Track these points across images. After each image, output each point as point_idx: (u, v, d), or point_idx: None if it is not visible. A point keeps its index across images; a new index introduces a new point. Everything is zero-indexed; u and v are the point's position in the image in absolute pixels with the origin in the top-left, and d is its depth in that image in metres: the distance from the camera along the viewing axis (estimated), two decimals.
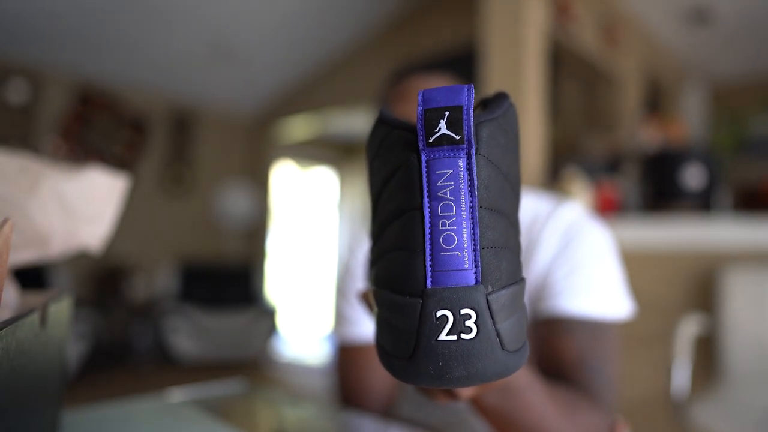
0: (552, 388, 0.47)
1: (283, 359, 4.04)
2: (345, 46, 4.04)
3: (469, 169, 0.23)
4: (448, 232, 0.24)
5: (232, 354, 3.68)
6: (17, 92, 3.42)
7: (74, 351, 3.07)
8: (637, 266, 1.71)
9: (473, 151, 0.23)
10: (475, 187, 0.23)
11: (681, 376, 1.47)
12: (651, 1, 3.01)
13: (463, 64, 2.89)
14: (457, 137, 0.23)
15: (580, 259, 0.61)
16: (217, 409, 0.56)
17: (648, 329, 1.79)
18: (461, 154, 0.23)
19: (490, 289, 0.23)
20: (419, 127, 0.24)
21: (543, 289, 0.61)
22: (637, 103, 3.13)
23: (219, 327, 3.69)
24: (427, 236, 0.24)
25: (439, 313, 0.23)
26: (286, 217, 5.57)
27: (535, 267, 0.62)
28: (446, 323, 0.23)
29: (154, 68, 3.85)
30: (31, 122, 3.48)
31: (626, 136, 2.70)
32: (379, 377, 0.68)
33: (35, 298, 0.40)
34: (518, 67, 1.94)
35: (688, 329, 1.55)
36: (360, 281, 0.73)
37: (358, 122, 4.52)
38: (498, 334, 0.24)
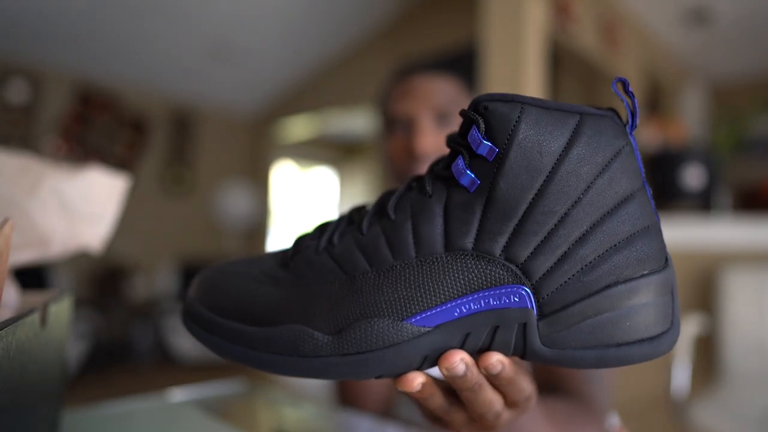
0: (548, 403, 0.46)
1: None
2: (345, 46, 4.05)
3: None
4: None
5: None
6: (17, 92, 3.42)
7: (74, 351, 3.07)
8: None
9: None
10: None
11: (681, 375, 1.47)
12: (651, 1, 3.01)
13: (464, 64, 2.89)
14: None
15: None
16: (217, 409, 0.56)
17: None
18: (632, 135, 0.26)
19: None
20: (629, 108, 0.26)
21: None
22: (637, 103, 3.13)
23: None
24: (655, 212, 0.26)
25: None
26: (286, 217, 5.57)
27: None
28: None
29: (154, 68, 3.85)
30: (32, 122, 3.48)
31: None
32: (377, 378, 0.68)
33: (35, 297, 0.41)
34: (518, 66, 1.94)
35: (688, 329, 1.55)
36: None
37: (358, 122, 4.52)
38: None
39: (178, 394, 0.60)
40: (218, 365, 3.62)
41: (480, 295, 0.25)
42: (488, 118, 0.25)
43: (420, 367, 0.26)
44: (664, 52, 3.68)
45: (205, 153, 4.51)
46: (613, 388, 0.58)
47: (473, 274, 0.25)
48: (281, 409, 0.59)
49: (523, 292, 0.25)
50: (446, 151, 0.68)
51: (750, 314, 1.62)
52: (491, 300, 0.25)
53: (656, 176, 2.06)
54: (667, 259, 0.26)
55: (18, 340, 0.28)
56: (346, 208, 5.95)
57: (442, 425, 0.33)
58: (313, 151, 5.74)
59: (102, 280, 3.75)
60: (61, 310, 0.40)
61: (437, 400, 0.28)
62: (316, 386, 3.22)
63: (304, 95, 4.39)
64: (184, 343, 3.57)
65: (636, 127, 0.26)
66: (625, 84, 0.25)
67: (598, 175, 0.25)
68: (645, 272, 0.25)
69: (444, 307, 0.25)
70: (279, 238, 5.25)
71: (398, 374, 0.26)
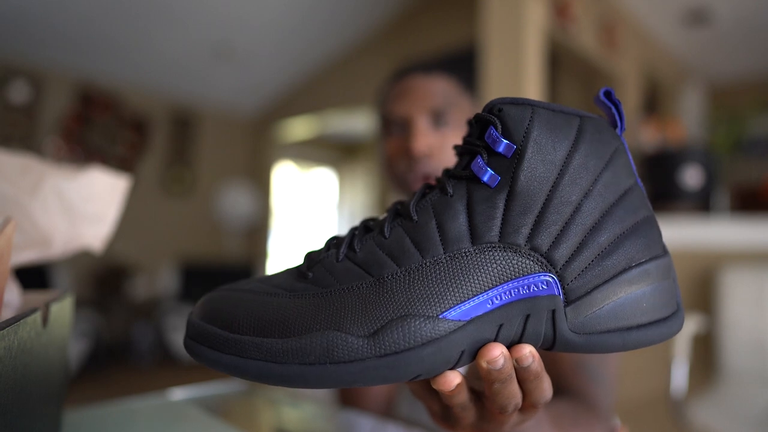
0: (551, 405, 0.46)
1: None
2: (345, 46, 4.05)
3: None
4: None
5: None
6: (19, 92, 3.42)
7: (75, 350, 3.07)
8: None
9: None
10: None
11: (679, 375, 1.47)
12: (650, 1, 3.01)
13: (463, 64, 2.90)
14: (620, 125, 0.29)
15: None
16: (217, 408, 0.56)
17: None
18: (623, 137, 0.29)
19: None
20: (617, 114, 0.29)
21: None
22: (636, 103, 3.13)
23: None
24: (648, 204, 0.29)
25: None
26: (286, 218, 5.58)
27: None
28: None
29: (155, 69, 3.85)
30: (33, 123, 3.49)
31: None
32: None
33: (37, 297, 0.41)
34: (517, 67, 1.95)
35: (687, 329, 1.55)
36: None
37: (358, 123, 4.52)
38: None
39: (179, 394, 0.60)
40: None
41: (510, 285, 0.26)
42: (503, 119, 0.27)
43: (457, 363, 0.26)
44: (663, 52, 3.68)
45: (205, 153, 4.51)
46: (615, 388, 0.58)
47: (502, 266, 0.26)
48: (281, 409, 0.59)
49: (550, 279, 0.26)
50: (444, 151, 0.68)
51: (748, 314, 1.62)
52: (521, 289, 0.26)
53: (655, 176, 2.06)
54: (664, 247, 0.29)
55: (20, 340, 0.29)
56: (347, 212, 5.95)
57: (448, 425, 0.33)
58: (313, 151, 5.74)
59: (103, 279, 3.75)
60: (63, 309, 0.40)
61: (463, 396, 0.29)
62: None
63: (305, 96, 4.40)
64: None
65: (624, 129, 0.29)
66: (610, 94, 0.28)
67: (603, 169, 0.27)
68: (652, 256, 0.28)
69: (477, 300, 0.26)
70: (279, 238, 5.25)
71: (436, 373, 0.26)
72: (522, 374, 0.28)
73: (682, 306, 0.29)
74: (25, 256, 0.41)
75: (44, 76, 3.55)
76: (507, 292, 0.26)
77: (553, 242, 0.26)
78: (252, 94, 4.51)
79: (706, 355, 1.76)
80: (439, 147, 0.67)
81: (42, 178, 0.43)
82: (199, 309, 0.28)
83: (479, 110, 0.75)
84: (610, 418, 0.55)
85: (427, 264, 0.27)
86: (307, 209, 5.88)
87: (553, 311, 0.26)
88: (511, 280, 0.26)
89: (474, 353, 0.26)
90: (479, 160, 0.27)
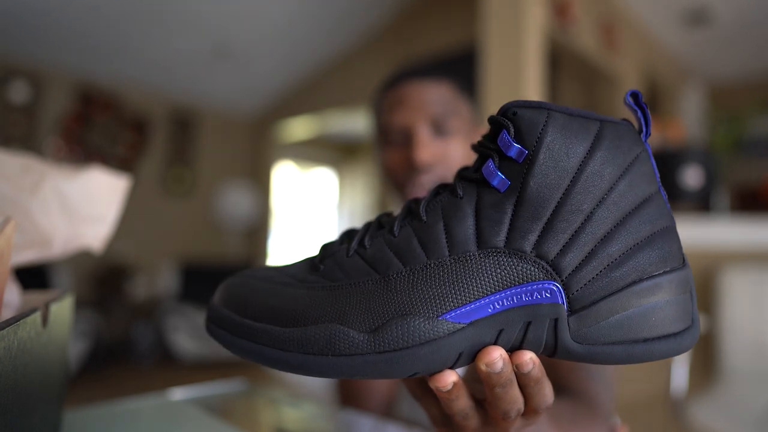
0: (552, 408, 0.46)
1: None
2: (345, 47, 4.05)
3: None
4: None
5: (232, 353, 3.68)
6: (19, 92, 3.42)
7: (75, 350, 3.07)
8: None
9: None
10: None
11: (680, 375, 1.47)
12: (650, 1, 3.01)
13: (463, 65, 2.90)
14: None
15: None
16: (217, 408, 0.56)
17: None
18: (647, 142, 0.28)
19: None
20: (642, 118, 0.28)
21: None
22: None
23: None
24: (670, 213, 0.28)
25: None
26: (286, 218, 5.58)
27: None
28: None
29: (155, 69, 3.85)
30: (33, 123, 3.49)
31: None
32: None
33: (37, 297, 0.41)
34: (517, 67, 1.95)
35: None
36: None
37: (358, 123, 4.53)
38: None
39: (179, 394, 0.60)
40: (219, 365, 3.63)
41: (513, 291, 0.26)
42: (517, 123, 0.27)
43: (455, 364, 0.27)
44: (663, 52, 3.68)
45: (205, 153, 4.51)
46: (615, 387, 0.57)
47: (506, 271, 0.26)
48: (281, 409, 0.59)
49: (554, 288, 0.26)
50: (447, 159, 0.67)
51: (748, 314, 1.62)
52: (524, 296, 0.26)
53: None
54: (684, 259, 0.28)
55: (20, 340, 0.29)
56: (347, 212, 5.95)
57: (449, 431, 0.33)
58: (313, 151, 5.74)
59: (103, 279, 3.75)
60: (63, 309, 0.40)
61: (463, 402, 0.29)
62: (317, 386, 3.22)
63: (305, 96, 4.40)
64: (185, 342, 3.58)
65: (650, 135, 0.27)
66: (638, 96, 0.27)
67: (619, 177, 0.26)
68: (666, 269, 0.27)
69: (478, 304, 0.26)
70: (279, 238, 5.25)
71: (433, 372, 0.26)
72: (523, 380, 0.28)
73: (699, 321, 0.27)
74: (25, 256, 0.41)
75: (44, 76, 3.55)
76: (509, 298, 0.26)
77: (560, 251, 0.26)
78: (252, 94, 4.51)
79: (706, 355, 1.76)
80: (441, 156, 0.66)
81: (42, 178, 0.43)
82: (220, 294, 0.30)
83: (478, 113, 0.75)
84: (609, 416, 0.55)
85: (431, 265, 0.27)
86: (307, 209, 5.88)
87: (556, 320, 0.26)
88: (514, 286, 0.26)
89: (472, 356, 0.27)
90: (490, 164, 0.27)
